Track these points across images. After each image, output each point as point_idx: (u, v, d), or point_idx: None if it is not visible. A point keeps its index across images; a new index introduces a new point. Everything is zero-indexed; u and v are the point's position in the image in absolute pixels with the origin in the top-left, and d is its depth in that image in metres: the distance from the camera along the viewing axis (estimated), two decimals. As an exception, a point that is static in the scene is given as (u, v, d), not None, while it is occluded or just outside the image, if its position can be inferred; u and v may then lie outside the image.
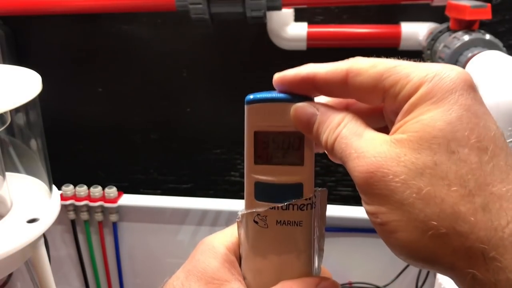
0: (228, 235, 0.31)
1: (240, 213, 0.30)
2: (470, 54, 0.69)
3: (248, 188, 0.29)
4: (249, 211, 0.29)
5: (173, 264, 0.64)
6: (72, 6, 0.91)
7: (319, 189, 0.30)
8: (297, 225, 0.29)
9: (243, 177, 0.30)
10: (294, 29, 0.90)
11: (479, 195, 0.21)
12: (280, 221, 0.29)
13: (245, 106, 0.28)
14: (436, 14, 0.86)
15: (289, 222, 0.29)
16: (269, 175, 0.29)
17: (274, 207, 0.29)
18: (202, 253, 0.31)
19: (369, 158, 0.24)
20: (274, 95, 0.28)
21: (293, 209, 0.29)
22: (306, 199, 0.29)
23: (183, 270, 0.31)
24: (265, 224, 0.29)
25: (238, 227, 0.31)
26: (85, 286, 1.12)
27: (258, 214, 0.29)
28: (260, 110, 0.28)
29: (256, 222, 0.29)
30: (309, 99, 0.28)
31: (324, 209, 0.30)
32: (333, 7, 0.92)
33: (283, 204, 0.29)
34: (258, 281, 0.30)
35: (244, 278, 0.31)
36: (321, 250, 0.31)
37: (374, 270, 1.02)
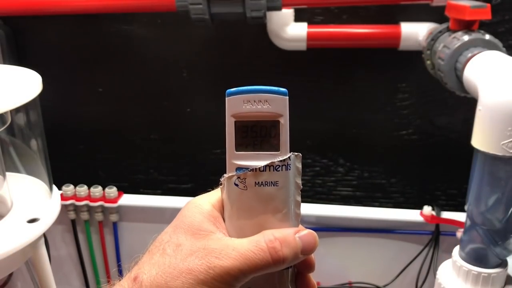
0: (214, 195, 0.34)
1: (222, 179, 0.33)
2: (469, 54, 0.69)
3: (229, 172, 0.32)
4: (229, 174, 0.32)
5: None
6: (72, 6, 0.91)
7: (294, 153, 0.32)
8: (274, 185, 0.32)
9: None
10: (294, 29, 0.90)
11: None
12: (258, 182, 0.32)
13: (226, 99, 0.31)
14: (436, 14, 0.86)
15: (266, 183, 0.32)
16: (249, 161, 0.32)
17: (252, 169, 0.31)
18: (188, 209, 0.34)
19: None
20: (251, 87, 0.31)
21: (269, 170, 0.31)
22: (281, 161, 0.31)
23: (171, 225, 0.33)
24: (244, 186, 0.32)
25: (221, 191, 0.34)
26: (85, 286, 1.12)
27: (238, 177, 0.32)
28: (239, 101, 0.31)
29: (236, 185, 0.32)
30: (283, 92, 0.32)
31: (299, 171, 0.33)
32: (332, 8, 0.92)
33: (260, 166, 0.31)
34: (241, 238, 0.33)
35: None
36: (297, 214, 0.33)
37: (374, 270, 1.02)
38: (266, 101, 0.31)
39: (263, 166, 0.31)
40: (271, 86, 0.31)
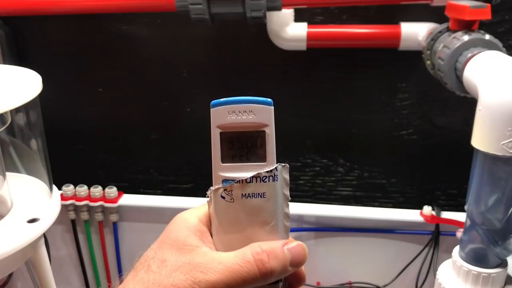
0: (201, 209, 0.34)
1: (208, 192, 0.32)
2: (469, 54, 0.69)
3: (216, 185, 0.32)
4: (216, 187, 0.32)
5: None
6: (72, 6, 0.91)
7: (281, 164, 0.32)
8: (261, 196, 0.31)
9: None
10: (294, 29, 0.90)
11: None
12: (245, 194, 0.31)
13: (211, 110, 0.31)
14: (436, 14, 0.86)
15: (253, 194, 0.31)
16: (235, 173, 0.31)
17: (239, 180, 0.31)
18: (174, 224, 0.33)
19: None
20: (236, 98, 0.31)
21: (256, 182, 0.31)
22: (267, 171, 0.31)
23: (156, 241, 0.33)
24: (231, 199, 0.32)
25: (209, 206, 0.33)
26: (85, 286, 1.12)
27: (225, 189, 0.31)
28: (224, 112, 0.31)
29: (223, 197, 0.32)
30: (268, 103, 0.31)
31: (286, 182, 0.32)
32: (332, 8, 0.92)
33: (247, 177, 0.31)
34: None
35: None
36: (286, 226, 0.33)
37: (374, 270, 1.03)
38: (251, 111, 0.31)
39: (250, 178, 0.31)
40: (256, 97, 0.31)
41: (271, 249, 0.31)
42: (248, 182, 0.31)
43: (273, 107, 0.31)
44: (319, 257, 0.96)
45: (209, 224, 0.33)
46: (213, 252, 0.32)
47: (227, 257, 0.30)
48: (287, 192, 0.32)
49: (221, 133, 0.31)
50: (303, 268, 0.33)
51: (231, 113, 0.31)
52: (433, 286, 0.70)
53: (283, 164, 0.32)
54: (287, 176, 0.32)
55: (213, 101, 0.31)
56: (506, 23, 0.89)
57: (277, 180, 0.32)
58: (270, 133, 0.31)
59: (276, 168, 0.31)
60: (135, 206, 1.04)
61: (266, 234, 0.32)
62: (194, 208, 0.34)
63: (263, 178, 0.31)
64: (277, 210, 0.32)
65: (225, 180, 0.31)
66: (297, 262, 0.31)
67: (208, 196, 0.33)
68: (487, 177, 0.58)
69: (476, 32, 0.73)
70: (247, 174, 0.31)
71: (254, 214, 0.32)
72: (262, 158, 0.31)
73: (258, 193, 0.31)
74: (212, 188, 0.32)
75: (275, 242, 0.31)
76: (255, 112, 0.31)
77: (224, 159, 0.31)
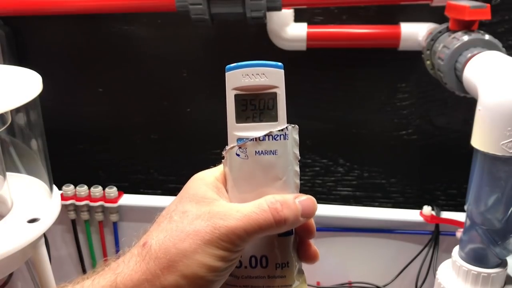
0: (216, 170, 0.36)
1: (224, 152, 0.35)
2: (469, 55, 0.69)
3: (231, 144, 0.34)
4: (231, 145, 0.34)
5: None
6: (72, 6, 0.91)
7: (291, 125, 0.34)
8: (273, 153, 0.34)
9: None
10: (294, 30, 0.90)
11: None
12: (258, 151, 0.34)
13: (226, 73, 0.33)
14: (436, 15, 0.86)
15: (266, 151, 0.34)
16: (249, 132, 0.34)
17: (253, 138, 0.33)
18: (193, 182, 0.36)
19: None
20: (249, 62, 0.33)
21: (268, 140, 0.33)
22: (279, 130, 0.33)
23: (176, 197, 0.35)
24: (245, 156, 0.34)
25: (224, 165, 0.35)
26: (85, 286, 1.12)
27: (239, 147, 0.34)
28: (238, 75, 0.33)
29: (238, 155, 0.34)
30: (279, 66, 0.34)
31: (296, 142, 0.34)
32: (332, 8, 0.92)
33: (260, 136, 0.33)
34: None
35: None
36: (296, 183, 0.35)
37: (374, 270, 1.03)
38: (264, 74, 0.33)
39: (263, 136, 0.33)
40: (267, 61, 0.33)
41: (284, 200, 0.33)
42: (261, 140, 0.33)
43: (283, 70, 0.33)
44: (319, 257, 0.96)
45: (224, 182, 0.35)
46: (230, 203, 0.34)
47: (244, 207, 0.33)
48: (297, 151, 0.34)
49: (235, 95, 0.33)
50: (312, 220, 0.35)
51: (244, 76, 0.33)
52: (433, 286, 0.70)
53: (293, 125, 0.34)
54: (296, 137, 0.34)
55: (228, 66, 0.33)
56: (505, 23, 0.89)
57: (287, 139, 0.34)
58: (281, 94, 0.34)
59: (286, 127, 0.34)
60: (135, 206, 1.04)
61: (278, 189, 0.34)
62: (210, 169, 0.37)
63: (275, 136, 0.33)
64: (288, 167, 0.34)
65: (240, 139, 0.34)
66: (307, 213, 0.34)
67: (223, 156, 0.35)
68: (486, 177, 0.58)
69: (475, 32, 0.73)
70: (260, 133, 0.33)
71: (267, 170, 0.34)
72: (274, 118, 0.34)
73: (271, 150, 0.34)
74: (227, 147, 0.34)
75: (287, 195, 0.34)
76: (267, 75, 0.33)
77: (239, 119, 0.34)
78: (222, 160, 0.35)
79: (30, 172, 0.79)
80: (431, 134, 1.00)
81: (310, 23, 0.92)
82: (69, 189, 1.03)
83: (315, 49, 0.93)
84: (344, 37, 0.91)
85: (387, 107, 0.99)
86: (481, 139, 0.57)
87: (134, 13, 0.98)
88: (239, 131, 0.34)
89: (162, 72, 1.03)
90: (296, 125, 0.34)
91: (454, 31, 0.76)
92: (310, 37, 0.90)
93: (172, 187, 1.12)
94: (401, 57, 0.93)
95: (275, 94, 0.33)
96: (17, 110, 0.75)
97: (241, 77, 0.33)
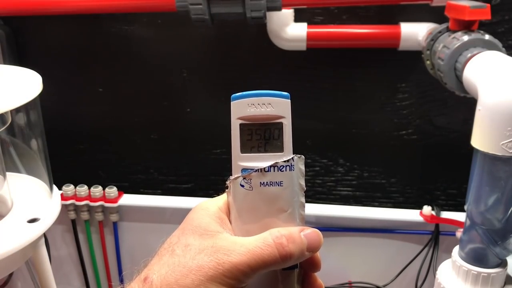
0: (220, 199, 0.36)
1: (228, 182, 0.34)
2: (469, 55, 0.69)
3: (235, 174, 0.33)
4: (236, 176, 0.33)
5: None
6: (72, 6, 0.91)
7: (297, 155, 0.33)
8: (278, 185, 0.33)
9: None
10: (294, 30, 0.90)
11: None
12: (263, 182, 0.33)
13: (231, 103, 0.33)
14: (436, 15, 0.86)
15: (271, 183, 0.33)
16: (254, 162, 0.33)
17: (258, 169, 0.33)
18: (195, 212, 0.35)
19: None
20: (255, 91, 0.33)
21: (274, 171, 0.33)
22: (285, 161, 0.33)
23: (178, 229, 0.34)
24: (250, 187, 0.33)
25: (228, 195, 0.35)
26: (86, 285, 1.12)
27: (244, 178, 0.33)
28: (243, 105, 0.33)
29: (242, 186, 0.33)
30: (286, 96, 0.33)
31: (302, 173, 0.34)
32: (332, 8, 0.92)
33: (265, 167, 0.33)
34: None
35: None
36: (302, 215, 0.34)
37: (374, 270, 1.03)
38: (270, 104, 0.33)
39: (268, 166, 0.33)
40: (273, 90, 0.33)
41: (289, 234, 0.32)
42: (266, 171, 0.33)
43: (290, 100, 0.33)
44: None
45: (228, 213, 0.35)
46: (234, 237, 0.33)
47: (249, 241, 0.32)
48: (303, 182, 0.34)
49: (240, 125, 0.33)
50: (318, 254, 0.35)
51: (250, 105, 0.33)
52: (433, 286, 0.70)
53: (299, 156, 0.33)
54: (302, 167, 0.34)
55: (233, 95, 0.33)
56: (505, 23, 0.89)
57: (293, 170, 0.33)
58: (287, 124, 0.33)
59: (292, 158, 0.33)
60: (135, 206, 1.04)
61: (283, 222, 0.33)
62: (213, 198, 0.36)
63: (281, 167, 0.33)
64: (293, 198, 0.33)
65: (244, 169, 0.33)
66: (313, 247, 0.33)
67: (227, 186, 0.34)
68: (486, 177, 0.58)
69: (475, 32, 0.73)
70: (266, 164, 0.33)
71: (272, 202, 0.33)
72: (280, 148, 0.33)
73: (276, 182, 0.33)
74: (231, 177, 0.33)
75: (293, 228, 0.33)
76: (273, 105, 0.33)
77: (244, 149, 0.33)
78: (226, 190, 0.34)
79: (30, 172, 0.79)
80: (431, 134, 1.00)
81: (310, 23, 0.92)
82: (69, 189, 1.03)
83: (315, 49, 0.93)
84: (344, 37, 0.91)
85: (387, 107, 0.99)
86: (481, 139, 0.57)
87: (134, 13, 0.98)
88: (244, 161, 0.33)
89: (162, 72, 1.03)
90: (302, 156, 0.34)
91: (454, 31, 0.76)
92: (310, 37, 0.90)
93: (172, 187, 1.12)
94: (401, 57, 0.93)
95: (281, 124, 0.33)
96: (17, 110, 0.75)
97: (246, 106, 0.33)
